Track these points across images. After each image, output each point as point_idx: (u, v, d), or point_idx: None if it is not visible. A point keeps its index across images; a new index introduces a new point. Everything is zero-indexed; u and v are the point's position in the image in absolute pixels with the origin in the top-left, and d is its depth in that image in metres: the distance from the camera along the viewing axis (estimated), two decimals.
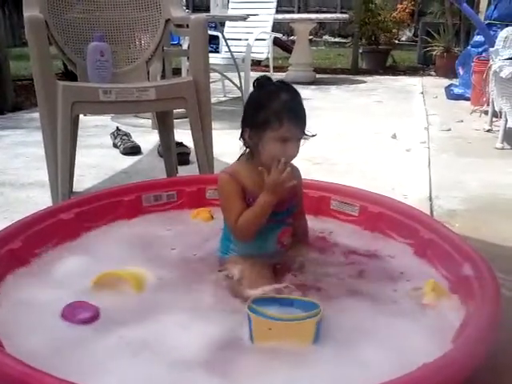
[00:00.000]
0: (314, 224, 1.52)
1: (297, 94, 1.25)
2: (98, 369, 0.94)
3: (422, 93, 5.42)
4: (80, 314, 1.08)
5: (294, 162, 1.35)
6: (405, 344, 1.00)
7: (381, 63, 7.77)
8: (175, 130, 2.38)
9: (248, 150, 1.30)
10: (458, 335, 0.96)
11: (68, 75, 4.20)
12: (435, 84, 6.02)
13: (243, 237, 1.27)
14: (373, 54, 7.84)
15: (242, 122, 1.28)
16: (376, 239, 1.50)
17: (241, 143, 1.31)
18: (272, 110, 1.20)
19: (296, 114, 1.21)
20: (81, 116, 1.95)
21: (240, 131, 1.28)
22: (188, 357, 0.96)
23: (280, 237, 1.32)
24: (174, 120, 2.36)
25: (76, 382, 0.77)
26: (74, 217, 1.49)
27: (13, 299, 1.15)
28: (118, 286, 1.17)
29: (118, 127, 3.17)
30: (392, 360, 0.95)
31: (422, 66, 7.81)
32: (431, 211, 2.05)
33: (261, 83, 1.27)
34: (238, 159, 1.34)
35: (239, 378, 0.92)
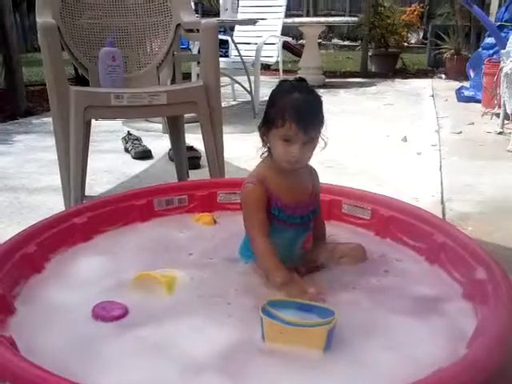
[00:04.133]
0: (327, 228, 1.51)
1: (309, 95, 1.22)
2: (113, 367, 0.95)
3: (433, 95, 5.40)
4: (112, 311, 1.11)
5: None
6: (417, 348, 0.99)
7: (390, 66, 7.75)
8: (186, 134, 2.39)
9: (266, 149, 1.30)
10: (472, 340, 0.95)
11: (79, 80, 4.23)
12: (445, 87, 5.99)
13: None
14: (382, 56, 7.82)
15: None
16: (388, 243, 1.50)
17: (253, 146, 1.31)
18: (278, 108, 1.20)
19: (300, 115, 1.17)
20: (92, 121, 1.97)
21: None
22: (202, 360, 0.97)
23: (306, 242, 1.32)
24: (185, 124, 2.37)
25: None
26: (87, 221, 1.50)
27: (30, 302, 1.17)
28: (150, 287, 1.19)
29: (129, 132, 3.19)
30: (405, 364, 0.94)
31: (432, 69, 7.78)
32: (443, 214, 2.04)
33: (281, 82, 1.28)
34: (261, 161, 1.33)
35: (250, 381, 0.93)
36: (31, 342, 1.00)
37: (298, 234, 1.30)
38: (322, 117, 1.23)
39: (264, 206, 1.26)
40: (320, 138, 1.25)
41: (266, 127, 1.24)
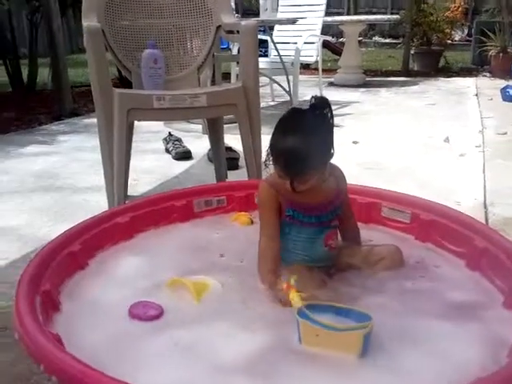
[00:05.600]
0: (364, 231, 1.51)
1: (306, 137, 1.17)
2: (146, 366, 0.98)
3: (477, 95, 5.25)
4: (148, 311, 1.15)
5: (345, 166, 1.35)
6: (455, 355, 0.98)
7: (433, 64, 7.58)
8: (225, 135, 2.42)
9: None
10: None
11: (123, 81, 4.33)
12: (490, 85, 5.82)
13: None
14: (425, 55, 7.66)
15: None
16: (427, 247, 1.48)
17: None
18: (273, 151, 1.22)
19: (287, 167, 1.19)
20: (135, 122, 2.01)
21: None
22: (234, 362, 0.98)
23: (326, 239, 1.31)
24: (224, 125, 2.40)
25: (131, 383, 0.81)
26: (129, 220, 1.55)
27: (73, 298, 1.22)
28: (183, 293, 1.22)
29: (170, 132, 3.25)
30: (443, 372, 0.94)
31: (477, 67, 7.56)
32: (486, 219, 1.99)
33: (290, 111, 1.25)
34: None
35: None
36: (73, 337, 1.04)
37: (317, 233, 1.30)
38: (319, 152, 1.20)
39: (274, 206, 1.29)
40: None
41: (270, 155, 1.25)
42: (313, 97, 1.23)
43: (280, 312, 1.12)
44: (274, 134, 1.22)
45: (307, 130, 1.18)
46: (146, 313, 1.14)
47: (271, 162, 1.23)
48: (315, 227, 1.29)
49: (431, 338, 1.04)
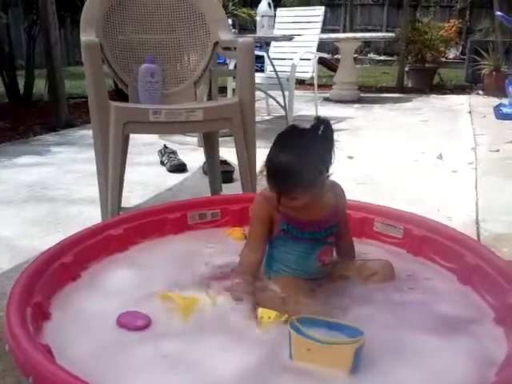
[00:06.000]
0: (357, 246, 1.52)
1: (300, 152, 1.18)
2: (131, 376, 0.99)
3: (470, 112, 5.31)
4: (135, 321, 1.15)
5: (339, 180, 1.37)
6: (444, 371, 0.99)
7: (427, 82, 7.67)
8: (220, 148, 2.43)
9: None
10: (502, 367, 0.93)
11: (119, 93, 4.34)
12: (483, 103, 5.88)
13: None
14: (419, 72, 7.75)
15: None
16: (419, 263, 1.48)
17: None
18: (266, 166, 1.22)
19: (276, 184, 1.21)
20: (130, 134, 2.02)
21: None
22: (223, 376, 0.98)
23: (320, 255, 1.32)
24: (219, 138, 2.41)
25: None
26: (122, 232, 1.55)
27: (64, 309, 1.22)
28: (173, 305, 1.22)
29: (165, 145, 3.26)
30: None
31: (470, 85, 7.65)
32: (478, 235, 2.00)
33: (289, 128, 1.27)
34: None
35: None
36: (62, 347, 1.04)
37: (311, 249, 1.31)
38: (311, 172, 1.19)
39: (265, 220, 1.30)
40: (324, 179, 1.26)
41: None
42: (316, 118, 1.24)
43: (272, 328, 1.12)
44: (271, 148, 1.24)
45: (301, 149, 1.18)
46: (133, 322, 1.15)
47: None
48: (309, 243, 1.30)
49: (422, 352, 1.05)
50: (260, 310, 1.16)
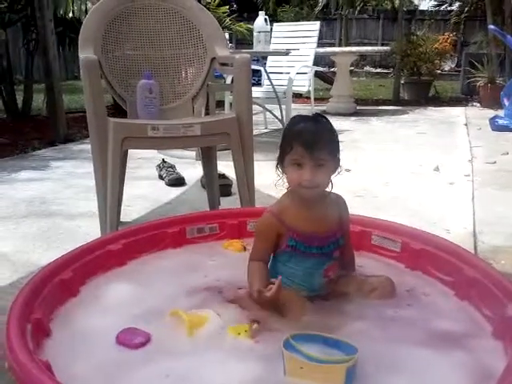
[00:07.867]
0: (356, 258, 1.52)
1: (317, 123, 1.26)
2: None
3: (466, 124, 5.35)
4: (135, 338, 1.14)
5: (336, 193, 1.38)
6: None
7: (423, 94, 7.74)
8: (218, 162, 2.44)
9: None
10: (501, 381, 0.94)
11: (117, 108, 4.38)
12: (479, 115, 5.93)
13: None
14: (415, 84, 7.83)
15: None
16: (417, 276, 1.49)
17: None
18: (287, 136, 1.26)
19: (305, 138, 1.22)
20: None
21: None
22: None
23: (327, 271, 1.32)
24: (217, 152, 2.42)
25: None
26: (121, 247, 1.56)
27: (64, 326, 1.22)
28: (175, 322, 1.21)
29: (163, 159, 3.28)
30: None
31: (466, 97, 7.72)
32: (475, 247, 2.01)
33: (294, 116, 1.33)
34: (285, 192, 1.36)
35: None
36: (62, 364, 1.04)
37: (318, 264, 1.31)
38: (333, 142, 1.27)
39: (271, 238, 1.31)
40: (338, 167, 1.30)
41: (281, 158, 1.29)
42: (316, 113, 1.33)
43: (269, 344, 1.12)
44: (287, 127, 1.29)
45: (321, 120, 1.27)
46: (132, 340, 1.14)
47: (282, 166, 1.28)
48: (317, 258, 1.30)
49: (419, 367, 1.04)
50: (229, 327, 1.16)
